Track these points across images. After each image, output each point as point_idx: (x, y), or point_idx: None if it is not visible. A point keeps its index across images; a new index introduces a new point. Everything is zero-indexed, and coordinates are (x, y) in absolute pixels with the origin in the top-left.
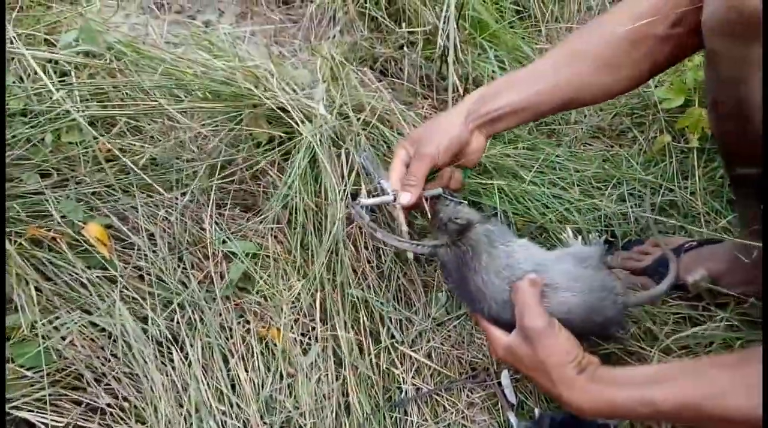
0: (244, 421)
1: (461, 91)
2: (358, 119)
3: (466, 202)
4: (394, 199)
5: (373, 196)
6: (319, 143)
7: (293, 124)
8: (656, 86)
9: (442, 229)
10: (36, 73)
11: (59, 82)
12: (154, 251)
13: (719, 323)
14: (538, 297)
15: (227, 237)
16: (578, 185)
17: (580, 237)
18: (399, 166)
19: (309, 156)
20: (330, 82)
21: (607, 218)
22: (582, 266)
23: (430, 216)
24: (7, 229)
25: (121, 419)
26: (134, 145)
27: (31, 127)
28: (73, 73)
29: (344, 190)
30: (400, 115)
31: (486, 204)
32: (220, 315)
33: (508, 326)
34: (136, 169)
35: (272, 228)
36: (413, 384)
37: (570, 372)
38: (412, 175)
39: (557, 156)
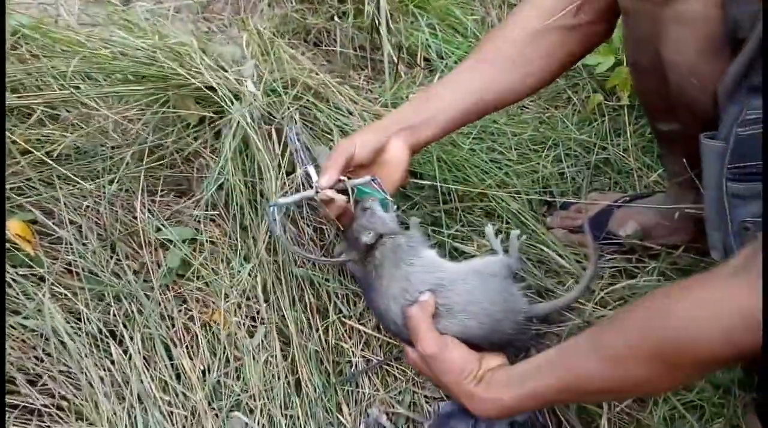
0: (191, 409)
1: (396, 60)
2: (288, 95)
3: (392, 200)
4: (317, 193)
5: (295, 192)
6: (249, 122)
7: (221, 103)
8: None
9: (351, 241)
10: None
11: None
12: (84, 244)
13: (652, 274)
14: (428, 322)
15: (161, 225)
16: (516, 149)
17: (499, 236)
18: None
19: (240, 135)
20: (259, 58)
21: (545, 179)
22: (486, 284)
23: (353, 209)
24: None
25: (60, 419)
26: (54, 133)
27: None
28: None
29: (279, 168)
30: (334, 89)
31: (407, 214)
32: (160, 304)
33: (409, 342)
34: (49, 161)
35: (208, 213)
36: (363, 357)
37: (467, 386)
38: (329, 160)
39: (494, 121)
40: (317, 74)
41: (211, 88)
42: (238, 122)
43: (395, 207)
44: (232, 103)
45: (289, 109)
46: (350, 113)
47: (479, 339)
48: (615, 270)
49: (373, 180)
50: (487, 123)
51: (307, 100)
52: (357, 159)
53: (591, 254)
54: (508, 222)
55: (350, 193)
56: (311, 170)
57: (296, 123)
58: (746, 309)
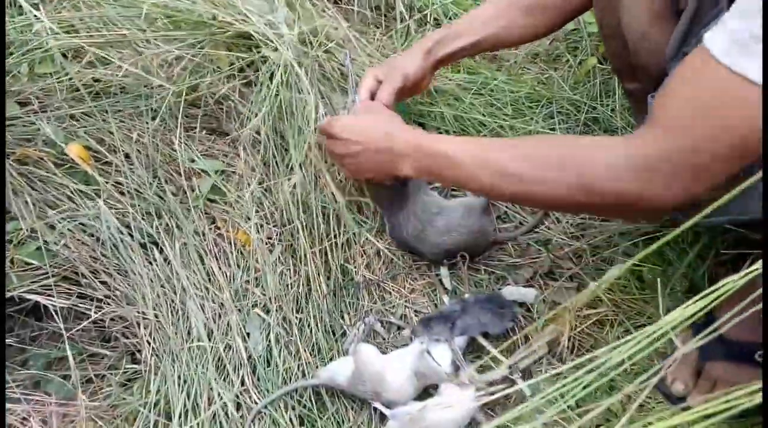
0: (219, 304)
1: (408, 20)
2: (317, 41)
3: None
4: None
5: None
6: (289, 64)
7: (260, 44)
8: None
9: None
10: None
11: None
12: (130, 168)
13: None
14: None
15: (196, 157)
16: (512, 105)
17: None
18: (371, 81)
19: (279, 77)
20: (288, 9)
21: (536, 133)
22: (469, 214)
23: None
24: None
25: (114, 302)
26: (106, 72)
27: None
28: (41, 6)
29: (308, 110)
30: (355, 43)
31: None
32: (194, 222)
33: (410, 249)
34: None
35: (236, 148)
36: (364, 276)
37: (389, 127)
38: (384, 92)
39: (494, 79)
40: (336, 29)
41: (244, 36)
42: (273, 64)
43: None
44: (266, 46)
45: (317, 56)
46: (369, 64)
47: (465, 248)
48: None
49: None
50: (487, 80)
51: (330, 52)
52: (406, 89)
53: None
54: None
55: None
56: (357, 99)
57: (348, 56)
58: (633, 157)
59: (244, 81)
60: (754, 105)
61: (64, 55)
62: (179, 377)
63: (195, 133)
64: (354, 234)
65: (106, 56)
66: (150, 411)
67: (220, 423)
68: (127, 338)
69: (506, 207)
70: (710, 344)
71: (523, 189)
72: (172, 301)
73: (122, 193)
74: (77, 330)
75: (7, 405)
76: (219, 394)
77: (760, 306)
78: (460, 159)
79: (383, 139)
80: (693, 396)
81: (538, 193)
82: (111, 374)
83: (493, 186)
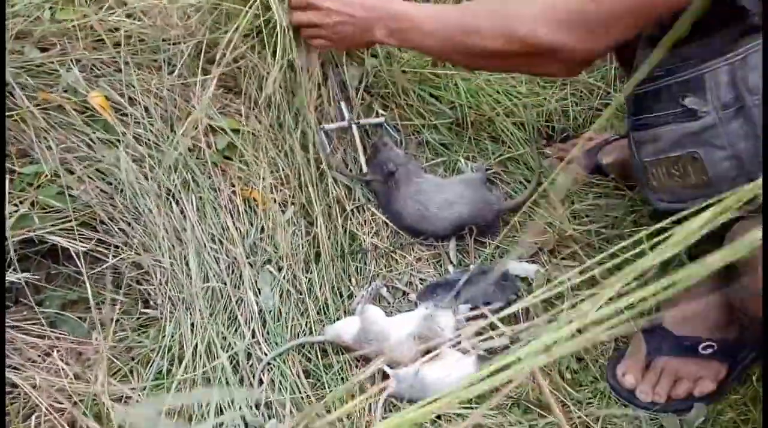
0: (233, 258)
1: None
2: None
3: (399, 139)
4: (349, 125)
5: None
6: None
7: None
8: None
9: (376, 168)
10: None
11: None
12: (149, 121)
13: (626, 200)
14: None
15: (213, 113)
16: (526, 84)
17: (470, 165)
18: None
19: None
20: None
21: (548, 113)
22: (468, 187)
23: (370, 145)
24: (22, 94)
25: (130, 249)
26: (124, 21)
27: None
28: None
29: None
30: None
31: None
32: (210, 177)
33: (419, 233)
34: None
35: (252, 108)
36: (372, 244)
37: None
38: None
39: None
40: None
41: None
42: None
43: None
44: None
45: None
46: None
47: (469, 221)
48: (596, 195)
49: (385, 123)
50: None
51: None
52: None
53: (536, 158)
54: (510, 148)
55: (356, 129)
56: (343, 105)
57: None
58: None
59: (262, 43)
60: None
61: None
62: (192, 324)
63: (211, 89)
64: (363, 205)
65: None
66: (164, 356)
67: (232, 369)
68: (141, 285)
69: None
70: (657, 340)
71: (464, 40)
72: (188, 252)
73: (140, 144)
74: (92, 274)
75: (28, 338)
76: (230, 343)
77: (701, 303)
78: (420, 19)
79: (360, 7)
80: (640, 388)
81: (476, 43)
82: (125, 318)
83: (445, 40)
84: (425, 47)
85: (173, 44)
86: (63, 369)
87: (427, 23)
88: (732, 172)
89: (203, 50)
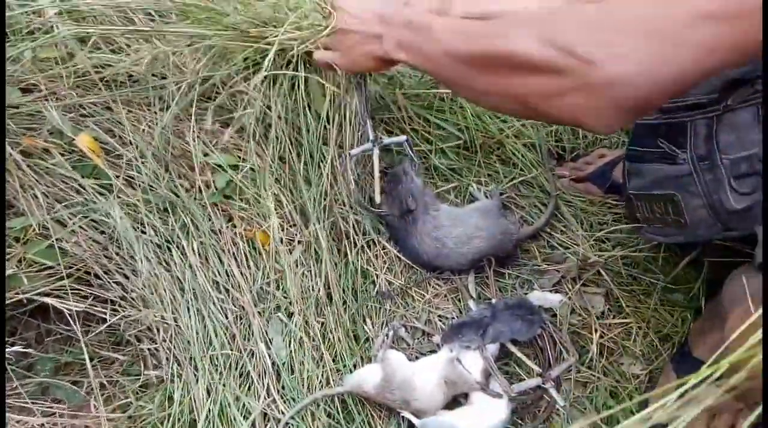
0: (240, 307)
1: None
2: None
3: (417, 165)
4: (373, 145)
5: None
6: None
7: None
8: None
9: (395, 201)
10: None
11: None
12: (142, 162)
13: None
14: None
15: (210, 150)
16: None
17: (482, 190)
18: None
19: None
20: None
21: (558, 133)
22: (485, 217)
23: (389, 179)
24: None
25: (131, 306)
26: (112, 58)
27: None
28: None
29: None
30: None
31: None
32: (210, 219)
33: (435, 269)
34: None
35: (250, 143)
36: (386, 280)
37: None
38: None
39: None
40: None
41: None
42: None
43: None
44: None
45: None
46: None
47: (489, 253)
48: (616, 216)
49: (407, 141)
50: None
51: None
52: None
53: (551, 180)
54: (522, 170)
55: (377, 153)
56: (369, 129)
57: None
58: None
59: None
60: None
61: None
62: (203, 386)
63: (206, 125)
64: (373, 239)
65: (115, 41)
66: (174, 425)
67: None
68: (140, 342)
69: (515, 203)
70: (687, 368)
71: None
72: (191, 304)
73: (134, 188)
74: (86, 331)
75: (18, 416)
76: (245, 404)
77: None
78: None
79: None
80: (674, 423)
81: (500, 46)
82: (124, 380)
83: (459, 51)
84: (441, 64)
85: (162, 79)
86: None
87: (441, 33)
88: (708, 220)
89: (197, 84)
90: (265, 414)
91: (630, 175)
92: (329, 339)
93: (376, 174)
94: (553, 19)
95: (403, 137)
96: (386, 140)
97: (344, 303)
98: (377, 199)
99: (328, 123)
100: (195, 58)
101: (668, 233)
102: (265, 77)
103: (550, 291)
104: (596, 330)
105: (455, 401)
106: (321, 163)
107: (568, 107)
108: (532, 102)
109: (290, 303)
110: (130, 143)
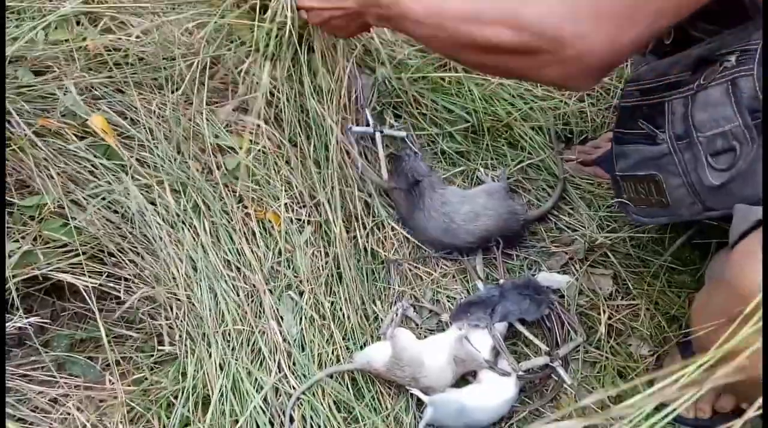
0: (251, 285)
1: None
2: None
3: (420, 155)
4: (374, 132)
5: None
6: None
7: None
8: None
9: (401, 176)
10: None
11: None
12: (154, 143)
13: None
14: None
15: (220, 132)
16: (542, 87)
17: (490, 174)
18: None
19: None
20: None
21: (566, 116)
22: (492, 198)
23: (394, 160)
24: (19, 120)
25: (144, 283)
26: (120, 38)
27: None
28: None
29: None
30: None
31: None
32: (221, 200)
33: (443, 246)
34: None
35: (259, 125)
36: (395, 260)
37: None
38: None
39: None
40: None
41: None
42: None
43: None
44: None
45: None
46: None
47: (495, 233)
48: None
49: (407, 137)
50: None
51: None
52: None
53: (559, 163)
54: (530, 154)
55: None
56: (367, 112)
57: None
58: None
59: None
60: None
61: (79, 22)
62: (216, 361)
63: (216, 106)
64: (382, 221)
65: (124, 22)
66: (189, 399)
67: (261, 408)
68: (154, 319)
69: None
70: (692, 351)
71: (458, 28)
72: (204, 282)
73: (146, 169)
74: (101, 308)
75: (36, 387)
76: (257, 379)
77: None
78: (408, 6)
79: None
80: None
81: (474, 33)
82: (139, 356)
83: (437, 29)
84: (418, 37)
85: (172, 60)
86: (77, 418)
87: (417, 10)
88: (688, 199)
89: (207, 66)
90: (277, 389)
91: (617, 157)
92: (339, 317)
93: (381, 155)
94: (523, 7)
95: (403, 133)
96: (387, 131)
97: (354, 282)
98: (384, 177)
99: (330, 102)
100: (204, 36)
101: (653, 214)
102: (271, 59)
103: (558, 272)
104: (604, 312)
105: (464, 379)
106: (328, 146)
107: (548, 76)
108: (516, 74)
109: (301, 281)
110: (142, 125)
